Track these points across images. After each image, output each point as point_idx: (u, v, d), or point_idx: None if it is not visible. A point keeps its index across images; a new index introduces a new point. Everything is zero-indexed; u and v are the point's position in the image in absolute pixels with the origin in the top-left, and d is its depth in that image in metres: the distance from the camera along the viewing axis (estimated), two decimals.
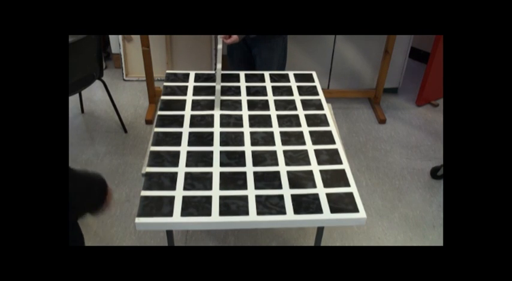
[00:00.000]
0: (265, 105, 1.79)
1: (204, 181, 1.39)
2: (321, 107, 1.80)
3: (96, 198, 1.18)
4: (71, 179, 1.06)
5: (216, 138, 1.58)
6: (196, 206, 1.31)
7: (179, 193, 1.35)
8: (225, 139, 1.58)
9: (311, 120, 1.71)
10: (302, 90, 1.90)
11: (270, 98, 1.84)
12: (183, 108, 1.74)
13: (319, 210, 1.31)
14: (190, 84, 1.91)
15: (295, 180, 1.42)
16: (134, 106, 3.08)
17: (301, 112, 1.76)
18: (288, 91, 1.89)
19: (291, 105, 1.80)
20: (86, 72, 2.47)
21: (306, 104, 1.81)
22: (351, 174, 1.46)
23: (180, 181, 1.39)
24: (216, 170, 1.44)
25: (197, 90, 1.86)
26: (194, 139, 1.57)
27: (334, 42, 2.96)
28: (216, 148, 1.53)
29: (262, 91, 1.89)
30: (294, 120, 1.70)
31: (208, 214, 1.28)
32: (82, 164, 2.46)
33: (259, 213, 1.29)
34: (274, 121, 1.69)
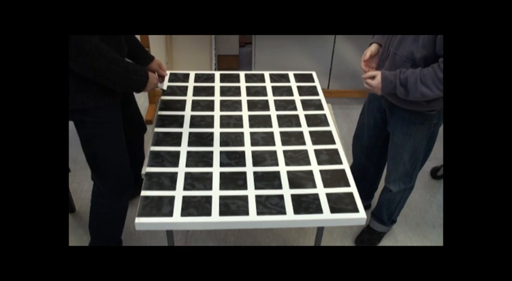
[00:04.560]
0: (265, 105, 1.79)
1: (204, 181, 1.39)
2: (321, 107, 1.80)
3: (134, 83, 1.48)
4: (113, 65, 1.36)
5: (216, 139, 1.58)
6: (196, 206, 1.31)
7: (179, 193, 1.35)
8: (225, 139, 1.58)
9: (311, 120, 1.71)
10: (302, 91, 1.91)
11: (270, 98, 1.84)
12: (183, 109, 1.74)
13: (319, 210, 1.32)
14: (190, 84, 1.91)
15: (295, 180, 1.42)
16: None
17: (301, 112, 1.76)
18: (288, 91, 1.89)
19: (291, 105, 1.80)
20: None
21: (306, 104, 1.81)
22: (351, 174, 1.46)
23: (180, 181, 1.39)
24: (216, 170, 1.44)
25: (197, 91, 1.86)
26: (194, 139, 1.57)
27: (334, 42, 2.96)
28: (216, 148, 1.53)
29: (262, 91, 1.89)
30: (294, 121, 1.70)
31: (208, 214, 1.29)
32: (82, 164, 2.46)
33: (259, 213, 1.29)
34: (274, 121, 1.70)
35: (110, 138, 1.58)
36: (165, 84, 1.85)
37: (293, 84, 1.95)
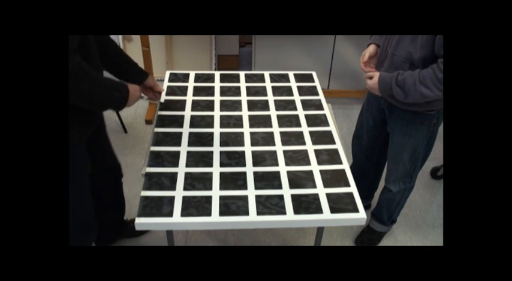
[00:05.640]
0: (265, 105, 1.79)
1: (204, 181, 1.39)
2: (321, 107, 1.80)
3: (115, 101, 1.35)
4: (95, 84, 1.23)
5: (216, 139, 1.58)
6: (196, 206, 1.31)
7: (179, 193, 1.35)
8: (225, 139, 1.58)
9: (311, 120, 1.71)
10: (302, 91, 1.91)
11: (270, 98, 1.84)
12: (183, 109, 1.74)
13: (319, 210, 1.32)
14: (190, 84, 1.91)
15: (295, 180, 1.42)
16: (134, 106, 3.06)
17: (301, 112, 1.76)
18: (288, 91, 1.89)
19: (291, 105, 1.80)
20: None
21: (306, 104, 1.81)
22: (351, 174, 1.46)
23: (180, 181, 1.39)
24: (216, 170, 1.44)
25: (197, 91, 1.86)
26: (194, 139, 1.57)
27: (334, 42, 2.96)
28: (216, 148, 1.53)
29: (262, 91, 1.89)
30: (294, 121, 1.70)
31: (208, 214, 1.29)
32: None
33: (259, 213, 1.29)
34: (274, 121, 1.70)
35: None
36: (162, 97, 1.79)
37: (293, 84, 1.95)
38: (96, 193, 1.57)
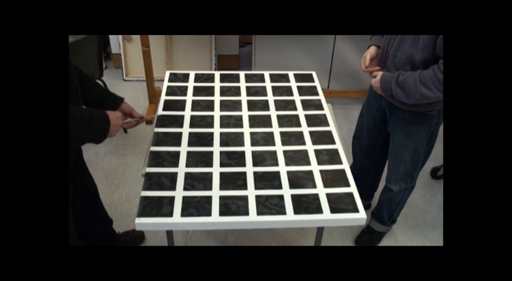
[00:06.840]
0: (265, 105, 1.79)
1: (204, 181, 1.39)
2: (321, 107, 1.80)
3: (94, 134, 1.24)
4: (72, 118, 1.13)
5: (216, 139, 1.58)
6: (196, 206, 1.31)
7: (179, 193, 1.35)
8: (225, 139, 1.58)
9: (311, 120, 1.71)
10: (302, 91, 1.91)
11: (270, 98, 1.84)
12: (183, 109, 1.74)
13: (319, 210, 1.32)
14: (190, 84, 1.91)
15: (295, 180, 1.42)
16: (134, 106, 3.05)
17: (301, 112, 1.76)
18: (288, 91, 1.89)
19: (291, 105, 1.80)
20: (86, 72, 2.46)
21: (306, 104, 1.81)
22: (351, 174, 1.46)
23: (180, 181, 1.39)
24: (216, 170, 1.44)
25: (197, 91, 1.86)
26: (194, 139, 1.57)
27: (334, 42, 2.96)
28: (216, 148, 1.53)
29: (262, 91, 1.89)
30: (294, 121, 1.70)
31: (208, 214, 1.29)
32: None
33: (259, 213, 1.29)
34: (274, 121, 1.69)
35: None
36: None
37: (293, 84, 1.95)
38: (77, 213, 1.55)
